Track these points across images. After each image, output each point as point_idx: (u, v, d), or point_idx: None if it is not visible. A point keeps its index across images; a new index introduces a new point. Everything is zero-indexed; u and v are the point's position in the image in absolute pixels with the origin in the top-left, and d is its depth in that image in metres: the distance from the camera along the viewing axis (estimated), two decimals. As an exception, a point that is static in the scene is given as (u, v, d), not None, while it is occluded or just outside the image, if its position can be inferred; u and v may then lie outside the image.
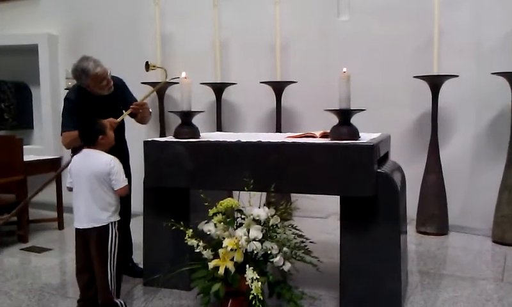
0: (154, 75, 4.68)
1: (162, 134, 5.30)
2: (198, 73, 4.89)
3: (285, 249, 2.72)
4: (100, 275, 2.76)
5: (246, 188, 2.76)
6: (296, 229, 2.87)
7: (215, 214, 2.77)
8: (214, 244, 2.73)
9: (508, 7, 4.42)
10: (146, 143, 3.14)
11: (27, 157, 4.74)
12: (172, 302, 3.09)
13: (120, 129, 3.33)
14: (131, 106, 3.31)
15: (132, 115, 3.38)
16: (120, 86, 3.43)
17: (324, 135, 3.06)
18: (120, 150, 3.17)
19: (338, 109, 2.84)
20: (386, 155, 3.35)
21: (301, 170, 2.80)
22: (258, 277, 2.56)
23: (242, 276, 2.60)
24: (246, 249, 2.64)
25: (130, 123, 3.53)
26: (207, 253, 2.70)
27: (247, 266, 2.60)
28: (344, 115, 2.85)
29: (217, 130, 5.21)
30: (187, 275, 2.89)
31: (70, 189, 2.87)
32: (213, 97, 5.29)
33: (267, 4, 5.04)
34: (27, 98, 6.13)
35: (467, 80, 4.54)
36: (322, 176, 2.77)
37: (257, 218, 2.70)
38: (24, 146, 4.68)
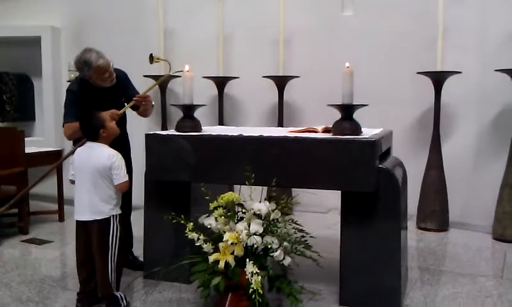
0: (157, 68, 4.67)
1: (164, 128, 5.30)
2: (201, 67, 4.89)
3: (285, 243, 2.71)
4: (100, 268, 2.77)
5: (247, 182, 2.76)
6: (297, 223, 2.86)
7: (216, 208, 2.77)
8: (215, 238, 2.73)
9: (512, 4, 4.41)
10: (147, 136, 3.14)
11: (28, 149, 4.74)
12: (172, 296, 3.09)
13: (122, 122, 3.32)
14: (134, 98, 3.30)
15: (134, 107, 3.38)
16: (122, 79, 3.43)
17: (326, 130, 3.05)
18: (121, 144, 3.17)
19: (340, 104, 2.83)
20: (388, 151, 3.34)
21: (303, 165, 2.80)
22: (258, 271, 2.56)
23: (242, 270, 2.60)
24: (246, 243, 2.64)
25: (131, 116, 3.53)
26: (207, 247, 2.70)
27: (247, 260, 2.60)
28: (347, 110, 2.84)
29: (219, 124, 5.21)
30: (188, 268, 2.89)
31: (73, 182, 2.87)
32: (215, 91, 5.28)
33: (270, -2, 5.03)
34: (29, 90, 6.12)
35: (470, 77, 4.53)
36: (323, 171, 2.77)
37: (258, 212, 2.69)
38: (26, 138, 4.69)
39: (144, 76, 4.86)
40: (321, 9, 5.14)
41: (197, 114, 3.29)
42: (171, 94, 5.52)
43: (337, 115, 2.90)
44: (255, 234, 2.64)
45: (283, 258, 2.69)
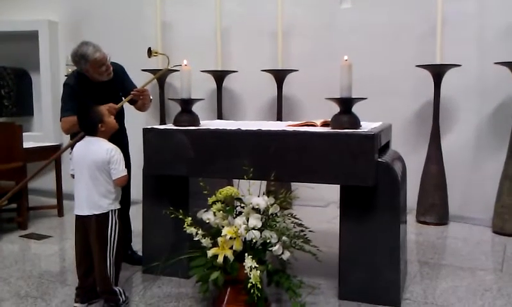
0: (155, 62, 4.65)
1: (162, 122, 5.28)
2: (199, 61, 4.87)
3: (284, 237, 2.70)
4: (99, 262, 2.76)
5: (245, 176, 2.75)
6: (296, 218, 2.85)
7: (214, 202, 2.76)
8: (213, 232, 2.72)
9: (512, -4, 4.39)
10: (145, 131, 3.12)
11: (26, 144, 4.73)
12: (171, 290, 3.09)
13: (120, 117, 3.30)
14: (132, 92, 3.29)
15: (132, 102, 3.36)
16: (119, 73, 3.41)
17: (324, 124, 3.04)
18: (119, 138, 3.15)
19: (339, 97, 2.82)
20: (387, 145, 3.33)
21: (301, 159, 2.78)
22: (257, 265, 2.55)
23: (241, 265, 2.59)
24: (245, 238, 2.63)
25: (129, 111, 3.51)
26: (206, 241, 2.69)
27: (246, 254, 2.59)
28: (345, 104, 2.83)
29: (218, 118, 5.19)
30: (186, 263, 2.88)
31: (73, 176, 2.86)
32: (214, 85, 5.26)
33: (268, -9, 5.01)
34: (27, 84, 6.11)
35: (470, 70, 4.51)
36: (322, 165, 2.76)
37: (257, 207, 2.68)
38: (24, 133, 4.68)
39: (143, 70, 4.84)
40: (320, 2, 5.12)
41: (195, 108, 3.27)
42: (170, 88, 5.50)
43: (336, 108, 2.88)
44: (253, 228, 2.63)
45: (282, 253, 2.68)
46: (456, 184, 4.65)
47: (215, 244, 2.68)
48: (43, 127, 5.93)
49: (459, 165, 4.67)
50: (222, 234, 2.64)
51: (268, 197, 2.74)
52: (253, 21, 5.21)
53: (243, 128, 2.98)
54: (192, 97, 3.23)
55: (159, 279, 3.21)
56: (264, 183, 2.89)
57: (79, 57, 3.13)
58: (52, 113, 5.76)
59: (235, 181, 3.04)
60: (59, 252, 3.98)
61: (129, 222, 3.57)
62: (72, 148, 2.99)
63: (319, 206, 5.01)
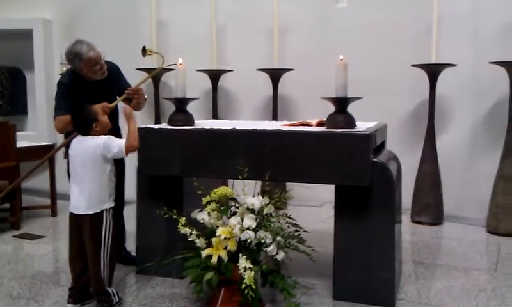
0: (149, 61, 4.63)
1: (157, 121, 5.26)
2: (194, 60, 4.85)
3: (278, 238, 2.69)
4: (92, 263, 2.74)
5: (240, 176, 2.74)
6: (290, 218, 2.84)
7: (209, 202, 2.75)
8: (208, 233, 2.71)
9: (507, -4, 4.39)
10: (140, 130, 3.09)
11: (20, 143, 4.71)
12: (165, 291, 3.07)
13: (114, 116, 3.28)
14: (126, 91, 3.26)
15: (126, 101, 3.34)
16: (114, 71, 3.39)
17: (320, 124, 3.03)
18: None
19: (334, 97, 2.81)
20: (383, 144, 3.33)
21: (296, 158, 2.77)
22: (252, 266, 2.54)
23: (235, 265, 2.58)
24: (239, 238, 2.62)
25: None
26: (200, 242, 2.68)
27: (240, 255, 2.57)
28: (341, 103, 2.82)
29: (213, 118, 5.18)
30: (180, 263, 2.87)
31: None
32: (209, 84, 5.25)
33: (264, -11, 4.99)
34: (21, 83, 6.07)
35: (465, 69, 4.51)
36: (317, 164, 2.74)
37: (251, 207, 2.67)
38: (18, 132, 4.65)
39: (137, 69, 4.82)
40: (315, 1, 5.11)
41: (190, 107, 3.25)
42: (165, 87, 5.48)
43: (331, 108, 2.87)
44: (248, 229, 2.62)
45: (277, 253, 2.67)
46: (450, 184, 4.65)
47: (209, 244, 2.66)
48: (37, 126, 5.90)
49: (454, 164, 4.67)
50: (216, 234, 2.63)
51: (263, 197, 2.73)
52: (248, 19, 5.20)
53: (238, 127, 2.96)
54: (187, 96, 3.22)
55: (153, 280, 3.20)
56: (259, 183, 2.88)
57: (73, 55, 3.11)
58: (46, 112, 5.73)
59: (230, 181, 3.02)
60: (53, 253, 3.96)
61: (123, 222, 3.55)
62: (65, 147, 2.97)
63: (313, 206, 5.00)
